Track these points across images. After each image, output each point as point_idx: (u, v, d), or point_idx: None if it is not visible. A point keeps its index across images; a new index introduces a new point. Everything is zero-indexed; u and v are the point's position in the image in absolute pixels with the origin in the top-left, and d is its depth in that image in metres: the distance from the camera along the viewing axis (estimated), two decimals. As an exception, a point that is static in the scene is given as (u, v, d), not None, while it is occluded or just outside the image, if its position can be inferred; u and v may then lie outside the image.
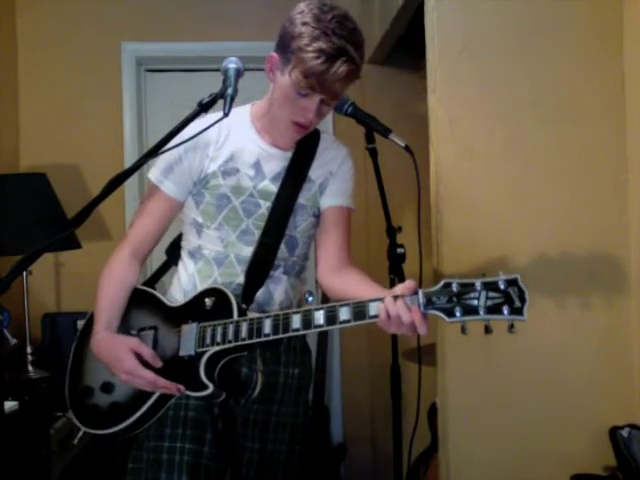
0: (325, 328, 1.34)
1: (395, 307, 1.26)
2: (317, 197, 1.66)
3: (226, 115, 1.38)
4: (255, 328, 1.41)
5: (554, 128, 2.01)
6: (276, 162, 1.59)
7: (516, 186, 2.02)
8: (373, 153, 1.87)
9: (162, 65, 3.36)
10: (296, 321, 1.36)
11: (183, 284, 1.64)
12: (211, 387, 1.41)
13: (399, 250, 1.98)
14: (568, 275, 2.02)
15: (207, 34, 3.24)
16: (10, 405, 2.18)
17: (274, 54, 1.47)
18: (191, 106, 1.41)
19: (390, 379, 2.04)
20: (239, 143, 1.57)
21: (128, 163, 3.12)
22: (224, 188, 1.55)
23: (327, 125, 3.22)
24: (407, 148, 1.74)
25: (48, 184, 2.76)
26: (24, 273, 2.65)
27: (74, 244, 2.71)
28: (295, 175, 1.60)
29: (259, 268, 1.57)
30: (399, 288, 1.31)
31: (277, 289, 1.62)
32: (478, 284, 1.23)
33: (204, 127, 1.40)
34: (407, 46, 3.09)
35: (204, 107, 1.41)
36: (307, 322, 1.35)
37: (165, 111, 3.28)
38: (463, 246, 2.02)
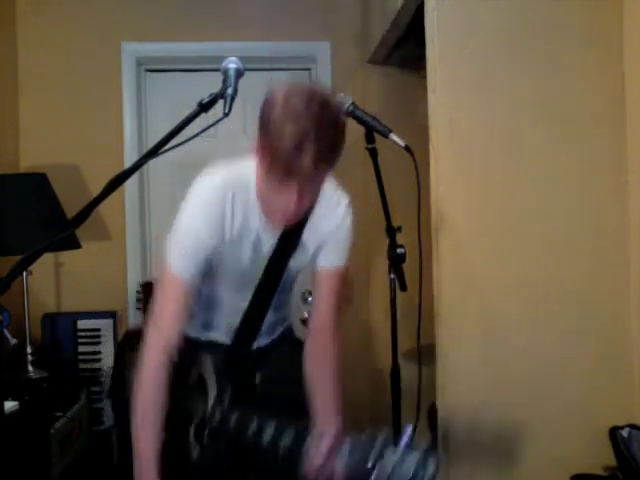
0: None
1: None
2: (309, 258, 1.65)
3: (226, 115, 1.37)
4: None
5: (554, 128, 2.01)
6: (273, 234, 1.59)
7: (516, 186, 2.02)
8: (373, 153, 1.87)
9: (162, 65, 3.36)
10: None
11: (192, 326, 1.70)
12: None
13: (399, 250, 1.98)
14: (568, 275, 2.02)
15: (207, 34, 3.24)
16: (10, 405, 2.18)
17: (255, 143, 1.44)
18: (191, 106, 1.40)
19: (390, 379, 2.04)
20: (244, 221, 1.57)
21: (128, 163, 3.12)
22: (225, 260, 1.59)
23: (327, 125, 3.22)
24: (407, 148, 1.73)
25: (48, 184, 2.76)
26: (24, 273, 2.65)
27: (74, 244, 2.71)
28: (287, 244, 1.60)
29: (245, 335, 1.69)
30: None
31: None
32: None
33: (202, 129, 1.38)
34: (407, 46, 3.09)
35: (204, 107, 1.41)
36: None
37: (165, 111, 3.28)
38: (463, 246, 2.02)
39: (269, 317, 1.71)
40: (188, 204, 1.55)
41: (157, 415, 1.48)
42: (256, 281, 1.63)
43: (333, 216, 1.62)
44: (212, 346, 1.70)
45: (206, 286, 1.64)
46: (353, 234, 1.67)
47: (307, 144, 1.31)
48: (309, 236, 1.61)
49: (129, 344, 1.76)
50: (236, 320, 1.68)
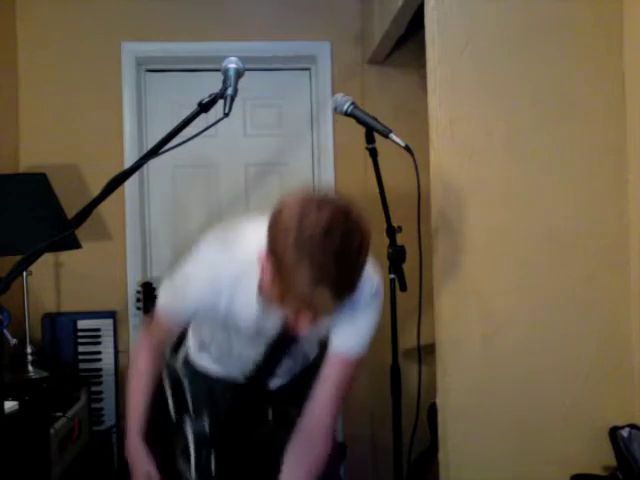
0: None
1: None
2: (323, 333, 1.54)
3: (226, 115, 1.37)
4: None
5: (554, 128, 2.01)
6: (276, 316, 1.47)
7: (516, 186, 2.02)
8: (373, 153, 1.87)
9: (162, 65, 3.36)
10: None
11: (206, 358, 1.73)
12: None
13: (399, 250, 1.98)
14: (568, 275, 2.02)
15: (207, 34, 3.24)
16: (10, 405, 2.18)
17: (264, 259, 1.27)
18: (191, 106, 1.41)
19: (390, 379, 2.04)
20: (242, 307, 1.48)
21: (128, 163, 3.12)
22: (227, 324, 1.55)
23: (327, 125, 3.23)
24: (407, 148, 1.74)
25: (48, 184, 2.76)
26: (24, 273, 2.65)
27: (74, 244, 2.71)
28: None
29: (257, 381, 1.65)
30: None
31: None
32: None
33: (202, 129, 1.37)
34: (407, 46, 3.09)
35: (204, 107, 1.41)
36: None
37: (165, 111, 3.28)
38: (463, 246, 2.02)
39: (288, 364, 1.67)
40: (190, 266, 1.49)
41: (141, 383, 1.64)
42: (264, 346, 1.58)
43: (356, 297, 1.41)
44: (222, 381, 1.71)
45: (220, 332, 1.62)
46: (376, 320, 1.50)
47: (322, 287, 1.17)
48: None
49: None
50: (248, 368, 1.66)
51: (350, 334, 1.48)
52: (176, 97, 3.25)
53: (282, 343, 1.57)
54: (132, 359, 1.72)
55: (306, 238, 1.15)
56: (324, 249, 1.15)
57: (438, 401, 2.08)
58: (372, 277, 1.44)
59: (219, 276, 1.44)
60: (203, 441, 1.64)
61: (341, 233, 1.17)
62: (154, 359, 1.67)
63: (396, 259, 2.00)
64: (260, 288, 1.41)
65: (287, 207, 1.21)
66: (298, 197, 1.22)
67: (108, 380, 3.04)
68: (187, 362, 1.78)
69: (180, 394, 1.73)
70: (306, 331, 1.31)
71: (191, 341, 1.78)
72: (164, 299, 1.58)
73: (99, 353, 3.04)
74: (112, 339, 3.06)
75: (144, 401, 1.65)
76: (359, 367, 1.53)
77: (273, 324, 1.51)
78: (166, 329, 1.64)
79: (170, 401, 1.72)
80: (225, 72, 1.41)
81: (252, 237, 1.38)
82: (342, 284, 1.19)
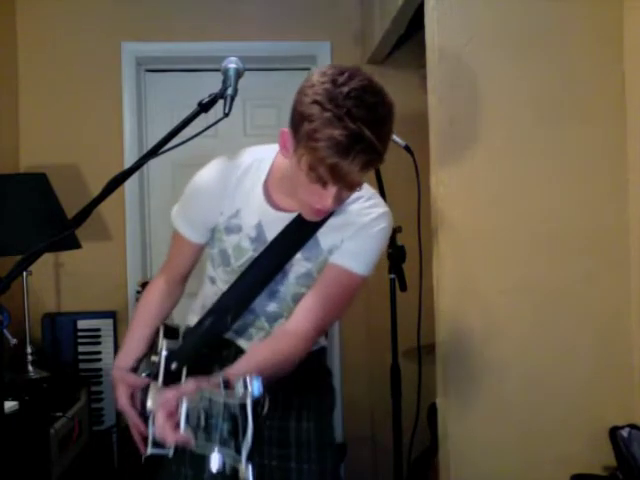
0: None
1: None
2: (322, 258, 1.48)
3: (226, 115, 1.37)
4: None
5: (554, 128, 2.01)
6: (280, 224, 1.46)
7: (516, 186, 2.02)
8: (373, 153, 1.86)
9: (162, 65, 3.36)
10: None
11: (197, 309, 1.64)
12: None
13: (399, 249, 1.99)
14: (568, 275, 2.02)
15: (207, 34, 3.24)
16: (10, 405, 2.18)
17: (286, 131, 1.27)
18: (191, 106, 1.41)
19: (390, 379, 2.04)
20: (246, 200, 1.47)
21: (128, 163, 3.12)
22: (227, 244, 1.51)
23: (327, 125, 3.22)
24: (407, 148, 1.74)
25: (48, 184, 2.76)
26: (24, 273, 2.65)
27: (74, 244, 2.71)
28: (293, 235, 1.45)
29: (226, 310, 1.53)
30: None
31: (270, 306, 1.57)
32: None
33: (202, 129, 1.37)
34: (407, 46, 3.09)
35: (204, 107, 1.41)
36: None
37: (165, 111, 3.28)
38: (463, 246, 2.02)
39: (274, 308, 1.54)
40: (196, 177, 1.55)
41: (144, 315, 1.61)
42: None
43: (360, 221, 1.44)
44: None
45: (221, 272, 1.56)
46: (379, 247, 1.47)
47: (356, 151, 1.16)
48: (328, 236, 1.45)
49: None
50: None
51: (349, 250, 1.45)
52: (176, 97, 3.26)
53: (265, 267, 1.48)
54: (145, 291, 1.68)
55: (340, 101, 1.15)
56: (355, 112, 1.16)
57: (438, 401, 2.08)
58: (378, 207, 1.46)
59: (223, 177, 1.48)
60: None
61: (372, 99, 1.20)
62: (165, 292, 1.63)
63: (396, 259, 2.00)
64: (266, 190, 1.44)
65: (318, 73, 1.21)
66: (327, 67, 1.24)
67: (108, 380, 3.03)
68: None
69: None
70: (330, 207, 1.28)
71: (194, 308, 1.68)
72: (175, 213, 1.62)
73: (99, 353, 3.04)
74: (112, 339, 3.06)
75: (140, 335, 1.57)
76: (355, 290, 1.46)
77: (275, 228, 1.46)
78: (179, 253, 1.63)
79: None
80: (225, 72, 1.41)
81: (252, 150, 1.50)
82: (372, 149, 1.18)
